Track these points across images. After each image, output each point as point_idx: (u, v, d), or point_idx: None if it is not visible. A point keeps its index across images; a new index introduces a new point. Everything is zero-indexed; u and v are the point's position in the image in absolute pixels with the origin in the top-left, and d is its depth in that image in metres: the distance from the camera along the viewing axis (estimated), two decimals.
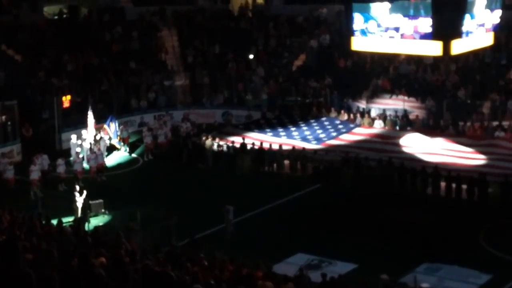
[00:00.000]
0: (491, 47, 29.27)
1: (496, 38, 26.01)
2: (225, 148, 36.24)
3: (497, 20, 24.74)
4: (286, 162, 35.01)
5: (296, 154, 34.83)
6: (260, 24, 49.68)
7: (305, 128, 38.94)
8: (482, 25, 24.07)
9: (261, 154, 35.32)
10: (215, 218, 27.70)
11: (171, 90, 45.12)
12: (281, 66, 46.32)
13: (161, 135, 38.55)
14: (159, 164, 36.79)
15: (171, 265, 14.65)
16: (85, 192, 28.58)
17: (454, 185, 30.52)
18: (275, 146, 35.48)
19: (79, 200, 28.27)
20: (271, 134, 38.01)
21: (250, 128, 39.13)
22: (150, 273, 10.92)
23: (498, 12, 24.61)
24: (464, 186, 30.28)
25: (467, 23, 23.05)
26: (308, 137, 37.70)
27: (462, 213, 29.10)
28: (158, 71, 46.06)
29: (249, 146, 35.80)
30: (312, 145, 36.25)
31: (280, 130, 38.71)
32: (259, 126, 39.56)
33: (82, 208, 28.25)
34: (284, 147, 35.40)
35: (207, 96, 44.82)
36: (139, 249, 17.94)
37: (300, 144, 36.33)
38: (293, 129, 38.89)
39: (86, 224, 26.91)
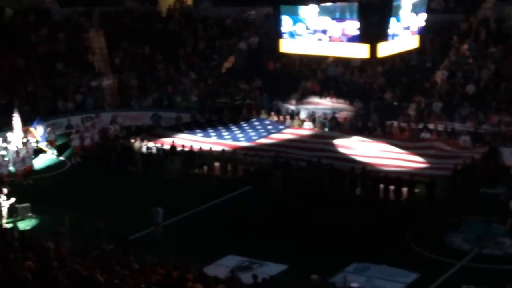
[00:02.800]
0: (416, 50, 29.79)
1: (422, 41, 26.46)
2: (154, 150, 36.00)
3: (423, 24, 25.19)
4: (217, 164, 34.98)
5: (226, 156, 34.83)
6: (189, 25, 49.54)
7: (235, 129, 39.01)
8: (408, 28, 24.48)
9: (191, 156, 35.21)
10: (144, 221, 27.49)
11: (98, 92, 44.60)
12: (211, 68, 46.28)
13: (88, 137, 38.11)
14: (87, 167, 36.36)
15: (100, 269, 14.49)
16: (12, 198, 28.08)
17: (382, 186, 30.95)
18: (206, 148, 35.42)
19: (6, 204, 27.71)
20: (201, 135, 37.94)
21: (179, 130, 38.96)
22: (78, 277, 10.80)
23: (423, 16, 25.06)
24: (392, 187, 30.73)
25: (393, 26, 23.40)
26: (239, 135, 37.79)
27: (390, 213, 29.53)
28: (85, 72, 45.48)
29: (179, 148, 35.64)
30: (243, 144, 36.33)
31: (210, 131, 38.68)
32: (189, 128, 39.43)
33: (8, 212, 27.71)
34: (215, 149, 35.36)
35: (136, 98, 44.46)
36: (68, 253, 17.68)
37: (230, 143, 36.38)
38: (223, 130, 38.90)
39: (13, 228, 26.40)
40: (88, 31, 48.00)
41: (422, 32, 25.58)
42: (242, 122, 39.87)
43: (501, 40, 41.32)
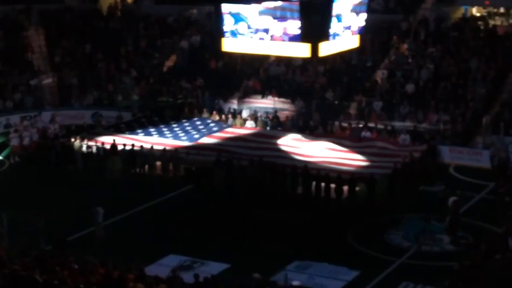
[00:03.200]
0: (357, 49, 30.06)
1: (362, 40, 26.69)
2: (94, 149, 35.63)
3: (363, 23, 25.41)
4: (158, 163, 34.79)
5: (168, 155, 34.65)
6: (130, 24, 49.16)
7: (177, 128, 38.85)
8: (349, 28, 24.67)
9: (132, 155, 34.94)
10: (85, 220, 27.20)
11: (38, 91, 43.94)
12: (152, 66, 46.00)
13: (27, 137, 37.54)
14: (26, 166, 35.82)
15: (40, 270, 14.29)
16: None
17: (323, 184, 31.16)
18: (147, 147, 35.19)
19: None
20: (142, 134, 37.67)
21: (120, 129, 38.62)
22: (17, 278, 10.63)
23: (364, 16, 25.28)
24: (333, 185, 30.98)
25: (334, 26, 23.57)
26: (180, 134, 37.66)
27: (331, 211, 29.75)
28: (24, 71, 44.77)
29: (119, 148, 35.34)
30: (185, 143, 36.22)
31: (152, 129, 38.45)
32: (130, 127, 39.12)
33: None
34: (156, 148, 35.15)
35: (76, 97, 43.94)
36: (6, 253, 17.40)
37: (172, 142, 36.22)
38: (165, 128, 38.71)
39: None
40: (27, 29, 47.23)
41: (363, 32, 25.82)
42: (184, 121, 39.72)
43: (440, 40, 42.00)
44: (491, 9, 44.93)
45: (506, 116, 36.17)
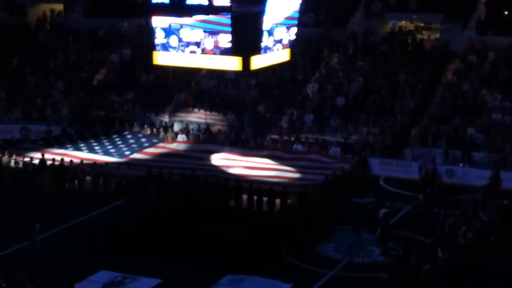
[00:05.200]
0: (288, 63, 30.28)
1: (293, 54, 26.87)
2: (23, 164, 34.96)
3: (294, 37, 25.60)
4: (88, 178, 34.34)
5: (98, 169, 34.24)
6: (59, 37, 48.54)
7: (107, 143, 38.42)
8: (280, 41, 24.82)
9: (62, 170, 34.41)
10: (14, 237, 26.66)
11: None
12: (82, 80, 45.46)
13: None
14: None
15: None
16: None
17: (255, 198, 31.21)
18: (77, 161, 34.71)
19: None
20: (72, 149, 37.16)
21: (49, 144, 38.00)
22: None
23: (294, 29, 25.47)
24: (265, 198, 31.05)
25: (266, 40, 23.69)
26: (111, 150, 37.27)
27: (264, 224, 29.79)
28: None
29: (49, 162, 34.78)
30: (115, 159, 35.86)
31: (81, 144, 37.95)
32: (59, 141, 38.54)
33: None
34: (86, 163, 34.70)
35: (4, 111, 43.11)
36: None
37: (102, 158, 35.82)
38: (95, 143, 38.25)
39: None
40: None
41: (293, 45, 26.01)
42: (114, 136, 39.33)
43: (369, 54, 42.61)
44: (418, 23, 45.80)
45: (434, 128, 36.86)
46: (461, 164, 35.42)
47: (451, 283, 22.90)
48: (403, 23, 45.98)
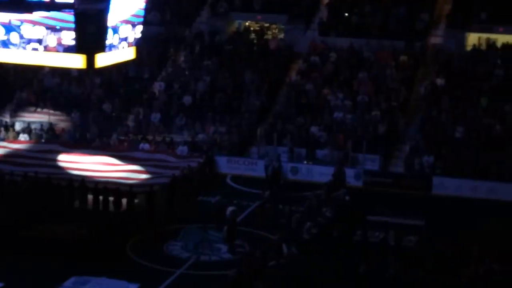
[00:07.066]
0: (134, 61, 30.04)
1: (139, 52, 26.67)
2: None
3: (139, 35, 25.40)
4: None
5: None
6: None
7: None
8: (125, 39, 24.55)
9: None
10: None
11: None
12: None
13: None
14: None
15: None
16: None
17: (101, 198, 30.75)
18: None
19: None
20: None
21: None
22: None
23: (140, 27, 25.28)
24: (111, 198, 30.64)
25: (110, 37, 23.37)
26: None
27: (110, 224, 29.36)
28: None
29: None
30: None
31: None
32: None
33: None
34: None
35: None
36: None
37: None
38: None
39: None
40: None
41: (139, 43, 25.82)
42: None
43: (215, 53, 42.94)
44: (263, 23, 46.59)
45: (279, 127, 37.62)
46: (305, 162, 36.37)
47: (296, 277, 23.44)
48: (248, 23, 46.65)
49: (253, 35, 45.53)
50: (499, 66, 39.61)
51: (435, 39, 42.74)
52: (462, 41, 41.76)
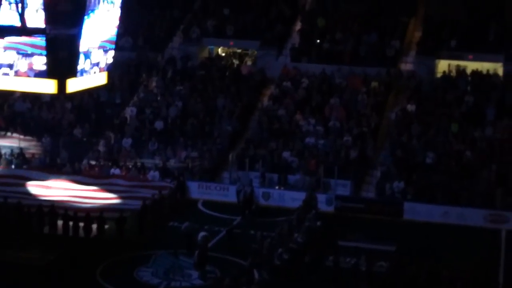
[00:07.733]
0: (105, 86, 29.97)
1: (110, 77, 26.64)
2: None
3: (111, 60, 25.38)
4: None
5: None
6: None
7: None
8: (97, 64, 24.51)
9: None
10: None
11: None
12: None
13: None
14: None
15: None
16: None
17: (71, 223, 30.50)
18: None
19: None
20: None
21: None
22: None
23: (112, 53, 25.27)
24: (81, 224, 30.41)
25: (82, 63, 23.32)
26: None
27: (80, 250, 29.14)
28: None
29: None
30: None
31: None
32: None
33: None
34: None
35: None
36: None
37: None
38: None
39: None
40: None
41: (111, 68, 25.77)
42: None
43: (188, 78, 42.98)
44: (235, 49, 46.75)
45: (251, 152, 37.63)
46: (277, 187, 36.37)
47: None
48: (220, 49, 46.77)
49: (224, 61, 45.60)
50: (468, 93, 40.04)
51: (406, 66, 43.11)
52: (432, 68, 42.20)
